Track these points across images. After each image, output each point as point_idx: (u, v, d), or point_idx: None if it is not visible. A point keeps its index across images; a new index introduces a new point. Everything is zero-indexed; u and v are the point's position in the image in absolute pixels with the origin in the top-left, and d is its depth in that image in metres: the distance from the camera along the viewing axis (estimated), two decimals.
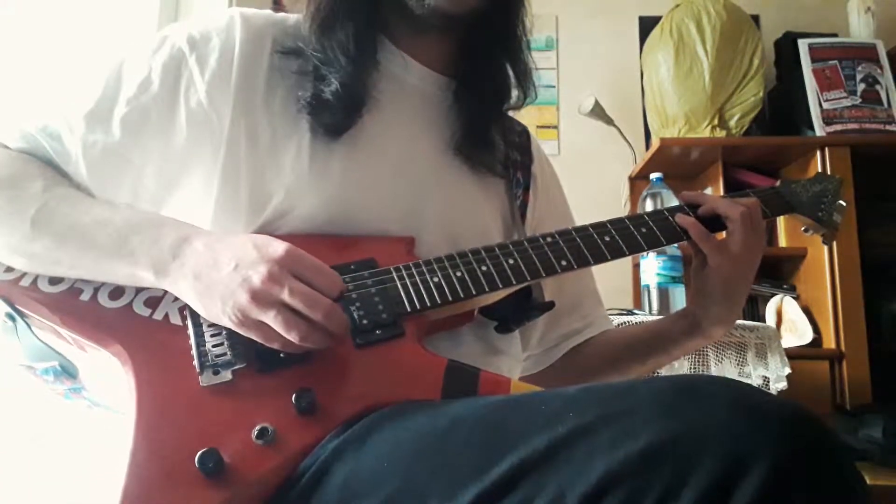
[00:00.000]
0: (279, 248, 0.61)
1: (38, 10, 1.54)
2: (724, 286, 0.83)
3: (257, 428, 0.58)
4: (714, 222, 0.82)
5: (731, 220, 0.79)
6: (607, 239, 0.77)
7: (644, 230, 0.80)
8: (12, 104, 1.36)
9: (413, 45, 0.84)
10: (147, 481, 0.54)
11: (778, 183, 0.92)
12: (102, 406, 0.71)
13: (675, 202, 2.16)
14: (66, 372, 0.68)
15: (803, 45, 2.41)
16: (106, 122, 0.73)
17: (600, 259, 0.77)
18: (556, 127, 2.77)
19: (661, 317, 0.98)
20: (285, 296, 0.59)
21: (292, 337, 0.59)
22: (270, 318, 0.59)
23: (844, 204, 0.93)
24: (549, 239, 0.76)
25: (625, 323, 1.59)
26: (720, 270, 0.81)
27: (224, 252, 0.62)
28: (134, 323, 0.66)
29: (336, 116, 0.76)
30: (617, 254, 0.77)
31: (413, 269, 0.71)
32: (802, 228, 0.94)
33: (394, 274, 0.71)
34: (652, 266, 1.93)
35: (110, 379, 0.65)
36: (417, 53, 0.84)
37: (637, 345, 0.94)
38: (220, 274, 0.61)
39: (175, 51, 0.76)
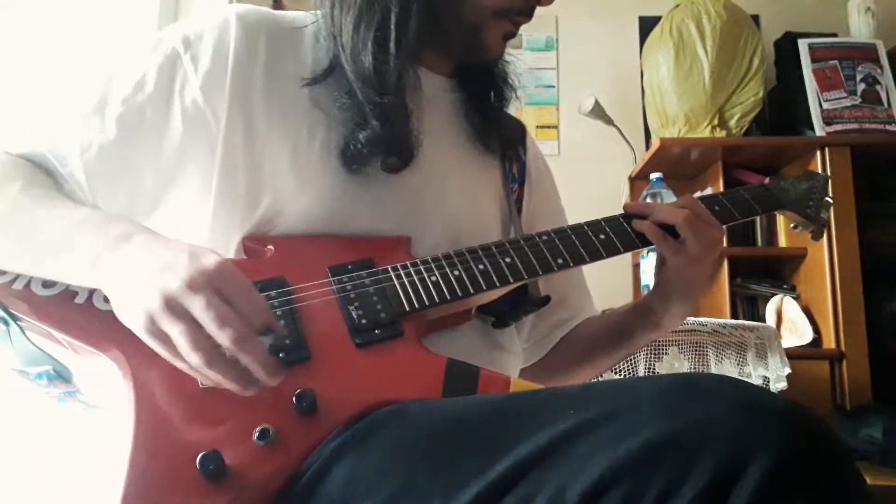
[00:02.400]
0: (212, 259, 0.56)
1: (38, 10, 1.54)
2: (685, 285, 0.84)
3: (258, 429, 0.57)
4: (670, 227, 0.81)
5: (679, 227, 0.79)
6: (602, 237, 0.78)
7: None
8: (13, 104, 1.35)
9: (423, 55, 0.84)
10: (148, 485, 0.54)
11: (767, 180, 0.93)
12: (98, 408, 0.70)
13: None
14: (60, 376, 0.66)
15: (803, 45, 2.41)
16: (101, 121, 0.73)
17: (596, 256, 0.77)
18: (556, 127, 2.77)
19: (621, 308, 0.99)
20: (196, 309, 0.53)
21: (194, 360, 0.53)
22: (176, 332, 0.53)
23: (831, 201, 0.95)
24: (545, 237, 0.77)
25: None
26: (680, 272, 0.82)
27: (156, 253, 0.58)
28: None
29: (405, 157, 0.76)
30: (612, 251, 0.78)
31: (410, 269, 0.71)
32: (791, 225, 0.96)
33: (391, 273, 0.71)
34: (652, 266, 1.93)
35: (106, 381, 0.64)
36: (424, 61, 0.84)
37: (603, 339, 0.95)
38: (143, 273, 0.56)
39: (169, 50, 0.76)
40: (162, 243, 0.60)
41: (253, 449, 0.57)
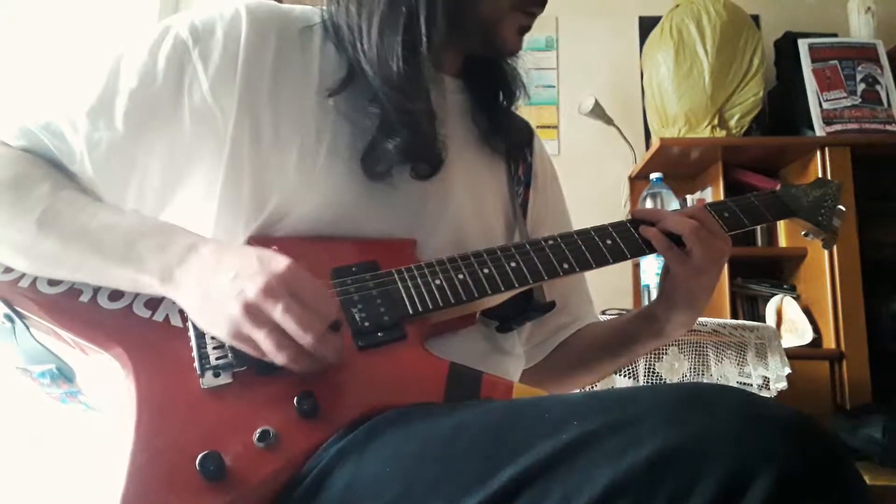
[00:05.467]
0: (281, 263, 0.59)
1: (38, 8, 1.54)
2: (689, 296, 0.83)
3: (258, 431, 0.57)
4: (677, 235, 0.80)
5: (685, 237, 0.78)
6: (609, 242, 0.77)
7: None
8: (13, 103, 1.35)
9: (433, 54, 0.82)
10: (147, 485, 0.54)
11: (778, 187, 0.91)
12: (99, 410, 0.70)
13: (675, 202, 2.15)
14: (63, 375, 0.67)
15: (803, 45, 2.41)
16: (109, 118, 0.71)
17: (602, 262, 0.76)
18: (556, 127, 2.77)
19: (625, 315, 0.98)
20: (277, 314, 0.57)
21: (280, 360, 0.58)
22: (261, 336, 0.57)
23: (844, 209, 0.93)
24: (550, 241, 0.76)
25: None
26: (685, 282, 0.81)
27: (227, 261, 0.61)
28: (134, 324, 0.65)
29: (434, 163, 0.76)
30: (619, 257, 0.77)
31: (415, 272, 0.71)
32: (803, 233, 0.94)
33: (395, 276, 0.70)
34: (652, 266, 1.93)
35: (108, 382, 0.64)
36: (433, 60, 0.82)
37: (606, 345, 0.95)
38: (219, 282, 0.59)
39: (178, 43, 0.73)
40: (229, 251, 0.63)
41: (253, 450, 0.57)
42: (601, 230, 0.79)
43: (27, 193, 0.67)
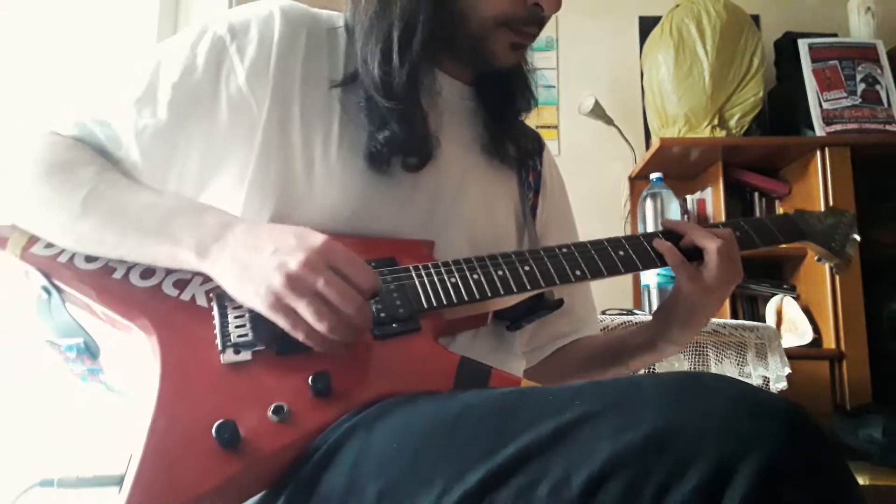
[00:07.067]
0: (318, 238, 0.63)
1: (38, 9, 1.54)
2: (689, 312, 0.86)
3: (273, 405, 0.60)
4: (694, 250, 0.84)
5: (708, 253, 0.81)
6: (621, 253, 0.81)
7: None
8: (12, 104, 1.36)
9: (442, 61, 0.87)
10: (165, 448, 0.57)
11: (792, 212, 0.96)
12: (118, 391, 0.73)
13: (674, 202, 2.16)
14: (89, 350, 0.70)
15: (803, 45, 2.42)
16: (153, 106, 0.76)
17: (614, 272, 0.79)
18: (556, 127, 2.78)
19: (624, 328, 1.01)
20: (320, 285, 0.60)
21: (321, 327, 0.61)
22: (302, 306, 0.60)
23: (858, 238, 0.96)
24: (564, 249, 0.79)
25: (625, 323, 1.59)
26: (689, 298, 0.84)
27: (264, 237, 0.64)
28: (162, 301, 0.69)
29: (422, 157, 0.79)
30: (631, 268, 0.80)
31: (431, 269, 0.74)
32: (816, 258, 0.97)
33: (412, 272, 0.73)
34: None
35: (132, 361, 0.67)
36: (444, 67, 0.87)
37: (602, 356, 0.97)
38: (259, 256, 0.63)
39: (216, 39, 0.79)
40: (264, 228, 0.67)
41: (267, 423, 0.60)
42: (614, 242, 0.82)
43: (73, 176, 0.72)
